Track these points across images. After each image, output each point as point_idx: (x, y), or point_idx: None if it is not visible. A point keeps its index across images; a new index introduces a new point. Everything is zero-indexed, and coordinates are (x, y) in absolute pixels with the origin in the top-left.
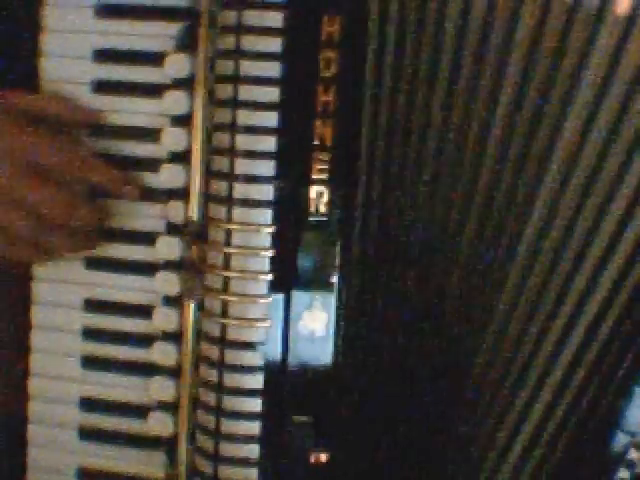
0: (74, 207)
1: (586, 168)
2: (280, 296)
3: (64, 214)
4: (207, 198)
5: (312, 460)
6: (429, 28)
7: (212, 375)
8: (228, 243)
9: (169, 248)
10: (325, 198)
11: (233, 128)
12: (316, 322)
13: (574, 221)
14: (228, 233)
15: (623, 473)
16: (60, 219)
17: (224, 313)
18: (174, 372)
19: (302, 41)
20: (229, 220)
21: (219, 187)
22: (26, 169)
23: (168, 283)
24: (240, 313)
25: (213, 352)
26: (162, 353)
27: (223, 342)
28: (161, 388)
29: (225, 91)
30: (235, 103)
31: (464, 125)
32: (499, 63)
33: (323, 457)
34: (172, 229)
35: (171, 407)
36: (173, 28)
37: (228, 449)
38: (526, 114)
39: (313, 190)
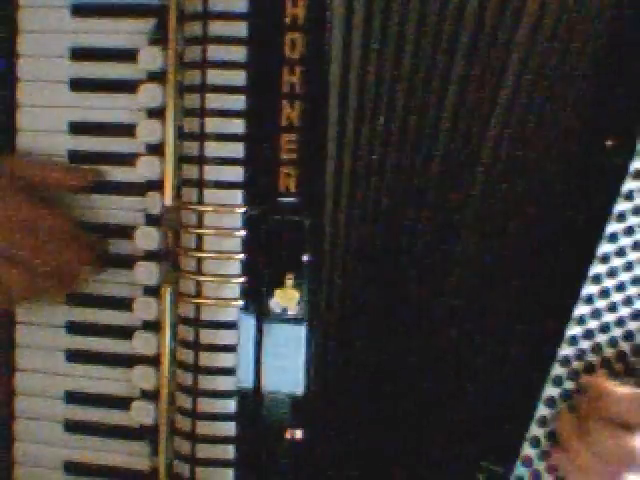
0: (60, 253)
1: None
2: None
3: (51, 261)
4: (180, 184)
5: (288, 436)
6: (395, 5)
7: (189, 356)
8: (200, 225)
9: (148, 239)
10: (294, 178)
11: (203, 113)
12: (288, 300)
13: None
14: (200, 215)
15: (558, 370)
16: (47, 266)
17: (198, 294)
18: (155, 360)
19: (267, 24)
20: (201, 202)
21: (191, 172)
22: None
23: (148, 273)
24: (214, 293)
25: (189, 334)
26: (143, 342)
27: (198, 323)
28: (143, 376)
29: (194, 77)
30: (204, 88)
31: (431, 98)
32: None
33: (298, 434)
34: (150, 220)
35: (153, 396)
36: (145, 24)
37: (206, 428)
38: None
39: (282, 170)
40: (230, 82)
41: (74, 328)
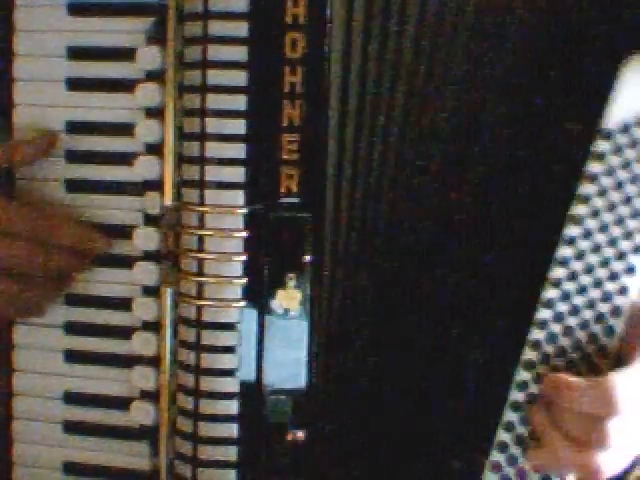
0: (45, 257)
1: None
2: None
3: (36, 265)
4: (180, 184)
5: (289, 438)
6: (394, 5)
7: (190, 358)
8: (202, 226)
9: (147, 239)
10: (295, 178)
11: (203, 113)
12: (290, 301)
13: None
14: (202, 216)
15: (529, 354)
16: (33, 271)
17: (200, 295)
18: (155, 361)
19: (267, 23)
20: (202, 203)
21: (191, 172)
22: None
23: (147, 274)
24: (215, 295)
25: (190, 335)
26: (142, 342)
27: (200, 324)
28: (143, 377)
29: (194, 77)
30: (204, 88)
31: (431, 98)
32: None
33: (300, 435)
34: (149, 220)
35: (153, 396)
36: (143, 23)
37: (208, 429)
38: None
39: (283, 171)
40: (231, 82)
41: (73, 328)
